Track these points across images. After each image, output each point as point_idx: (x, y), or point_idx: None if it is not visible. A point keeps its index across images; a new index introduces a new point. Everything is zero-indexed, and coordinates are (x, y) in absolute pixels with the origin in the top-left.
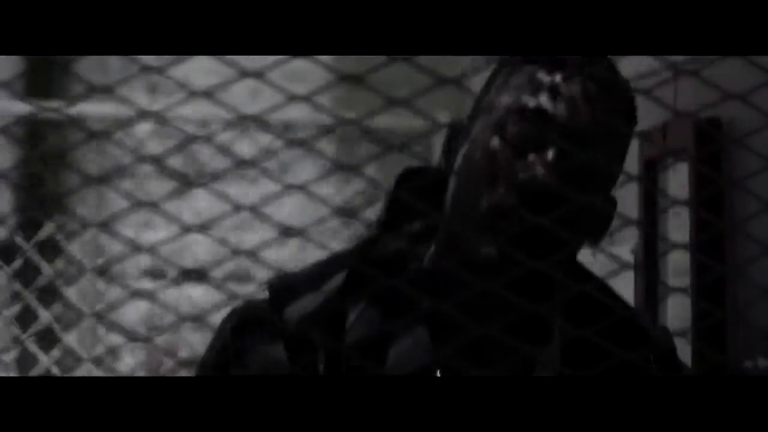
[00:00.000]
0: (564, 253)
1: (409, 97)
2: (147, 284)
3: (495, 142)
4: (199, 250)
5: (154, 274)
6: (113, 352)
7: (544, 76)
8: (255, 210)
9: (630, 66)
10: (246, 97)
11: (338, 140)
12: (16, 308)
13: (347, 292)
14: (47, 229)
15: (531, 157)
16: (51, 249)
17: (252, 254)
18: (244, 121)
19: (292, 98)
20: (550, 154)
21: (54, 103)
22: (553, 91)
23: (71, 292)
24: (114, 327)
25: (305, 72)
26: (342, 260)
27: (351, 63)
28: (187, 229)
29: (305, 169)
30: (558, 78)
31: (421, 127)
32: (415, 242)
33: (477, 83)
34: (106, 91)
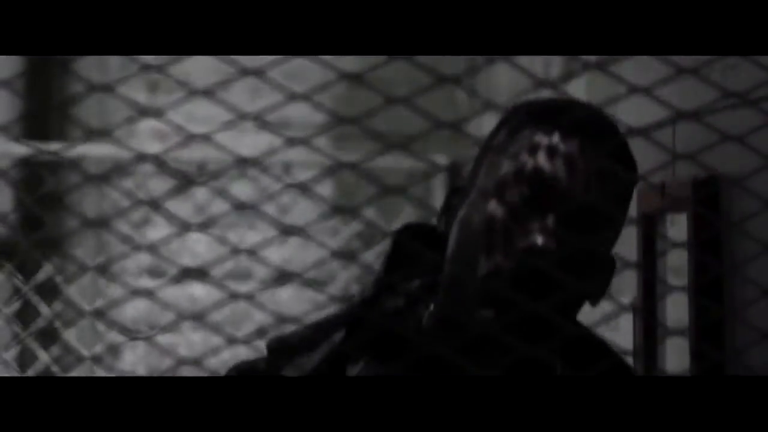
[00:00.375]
0: (563, 316)
1: (409, 95)
2: (147, 283)
3: (494, 206)
4: (199, 248)
5: (154, 272)
6: (113, 350)
7: (542, 140)
8: (255, 209)
9: (629, 119)
10: (246, 95)
11: (336, 183)
12: (15, 349)
13: (345, 351)
14: (45, 271)
15: (530, 223)
16: (49, 291)
17: (252, 253)
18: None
19: (292, 96)
20: (550, 221)
21: (52, 146)
22: (553, 156)
23: (70, 332)
24: (114, 324)
25: (305, 70)
26: (340, 320)
27: (351, 61)
28: (187, 228)
29: (304, 212)
30: (557, 142)
31: (421, 170)
32: (414, 301)
33: (479, 83)
34: (105, 89)
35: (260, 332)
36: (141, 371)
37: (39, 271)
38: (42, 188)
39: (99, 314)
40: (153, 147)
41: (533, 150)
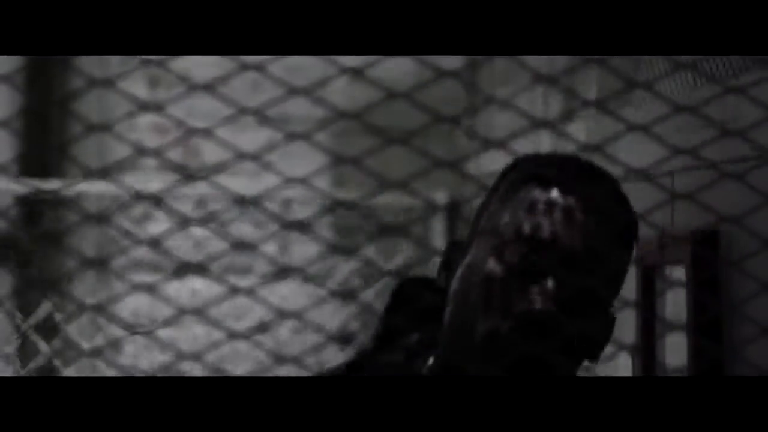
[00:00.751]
0: (561, 375)
1: (409, 91)
2: (146, 277)
3: (493, 266)
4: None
5: (154, 267)
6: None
7: (543, 200)
8: (255, 203)
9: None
10: (246, 90)
11: (335, 222)
12: None
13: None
14: (44, 309)
15: (529, 285)
16: (49, 328)
17: (252, 248)
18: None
19: (292, 91)
20: (550, 284)
21: (51, 183)
22: (553, 218)
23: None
24: (114, 319)
25: (306, 65)
26: (338, 375)
27: (351, 56)
28: (187, 222)
29: (304, 247)
30: (557, 202)
31: (419, 207)
32: (412, 355)
33: (479, 78)
34: (106, 84)
35: (261, 327)
36: (141, 366)
37: (38, 308)
38: (41, 225)
39: (99, 309)
40: (153, 141)
41: (532, 209)
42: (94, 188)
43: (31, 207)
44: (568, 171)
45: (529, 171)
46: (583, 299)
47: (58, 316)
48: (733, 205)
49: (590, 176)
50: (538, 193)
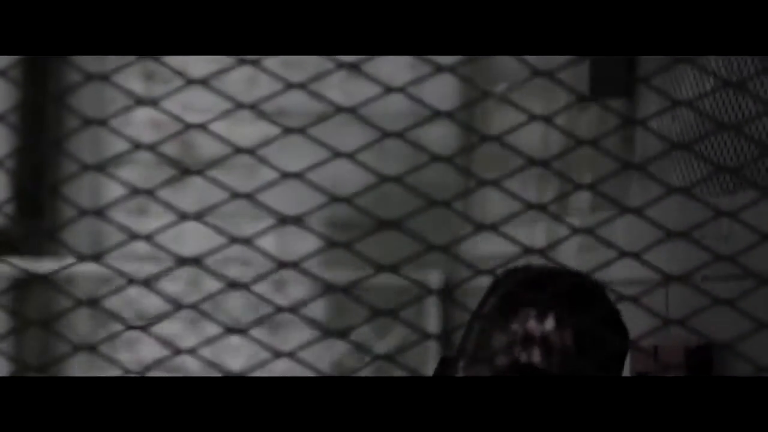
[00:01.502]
0: None
1: (406, 84)
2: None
3: None
4: (196, 238)
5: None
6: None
7: (536, 327)
8: (252, 198)
9: (619, 275)
10: (243, 84)
11: (328, 304)
12: None
13: None
14: None
15: None
16: None
17: (249, 242)
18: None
19: (289, 86)
20: None
21: (43, 262)
22: (548, 347)
23: None
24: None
25: (302, 60)
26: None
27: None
28: (184, 217)
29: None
30: (551, 330)
31: (411, 289)
32: None
33: (474, 72)
34: (102, 79)
35: (258, 321)
36: (139, 362)
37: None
38: (31, 305)
39: (95, 303)
40: (149, 136)
41: (526, 338)
42: (85, 269)
43: (22, 287)
44: (559, 296)
45: (519, 294)
46: None
47: None
48: (726, 319)
49: (582, 300)
50: (531, 321)
